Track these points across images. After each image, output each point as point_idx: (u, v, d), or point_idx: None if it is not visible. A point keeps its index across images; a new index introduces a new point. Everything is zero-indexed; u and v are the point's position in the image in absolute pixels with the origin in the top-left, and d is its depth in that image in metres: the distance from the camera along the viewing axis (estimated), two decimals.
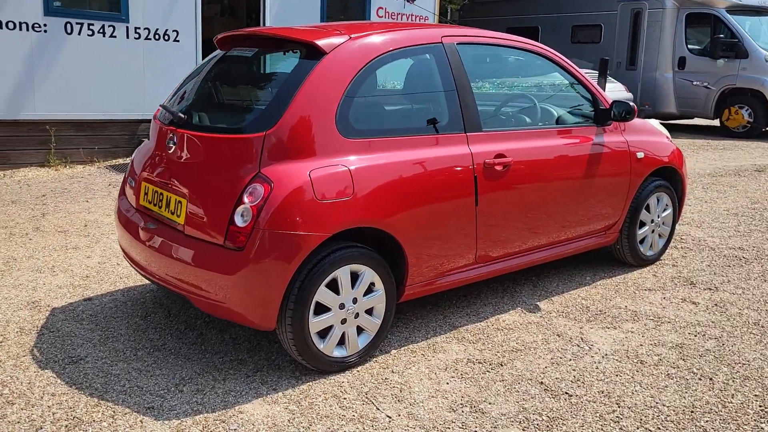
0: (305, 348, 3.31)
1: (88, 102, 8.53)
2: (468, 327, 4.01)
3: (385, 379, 3.40)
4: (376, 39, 3.58)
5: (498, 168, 3.88)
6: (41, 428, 2.91)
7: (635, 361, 3.62)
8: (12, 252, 5.16)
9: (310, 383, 3.34)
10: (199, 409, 3.08)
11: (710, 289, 4.68)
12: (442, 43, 3.83)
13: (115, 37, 8.60)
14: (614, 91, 11.47)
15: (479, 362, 3.58)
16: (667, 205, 5.15)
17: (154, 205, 3.65)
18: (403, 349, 3.73)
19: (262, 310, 3.19)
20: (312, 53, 3.46)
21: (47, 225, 5.93)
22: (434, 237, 3.68)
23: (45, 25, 8.12)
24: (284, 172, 3.19)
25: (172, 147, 3.54)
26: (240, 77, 3.78)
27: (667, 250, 5.39)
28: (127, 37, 8.69)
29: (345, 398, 3.21)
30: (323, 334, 3.39)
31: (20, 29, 7.98)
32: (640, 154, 4.76)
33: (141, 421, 2.98)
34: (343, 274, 3.35)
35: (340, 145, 3.34)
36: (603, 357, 3.66)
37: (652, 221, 5.06)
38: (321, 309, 3.35)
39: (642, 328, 4.04)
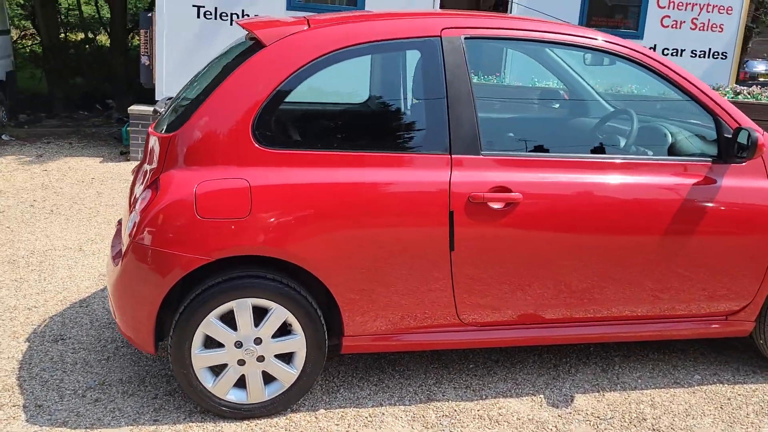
0: (187, 383, 2.88)
1: None
2: (441, 404, 3.11)
3: None
4: (336, 31, 2.91)
5: (494, 205, 2.89)
6: None
7: None
8: None
9: (193, 424, 2.90)
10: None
11: None
12: (440, 36, 2.95)
13: None
14: None
15: None
16: None
17: None
18: (336, 411, 3.03)
19: (135, 332, 2.85)
20: (254, 46, 2.95)
21: None
22: (381, 283, 2.89)
23: None
24: (174, 180, 2.78)
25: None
26: (210, 73, 3.43)
27: None
28: None
29: None
30: (217, 371, 2.91)
31: None
32: None
33: None
34: (240, 307, 2.82)
35: (253, 155, 2.79)
36: None
37: None
38: (214, 343, 2.88)
39: None
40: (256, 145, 2.78)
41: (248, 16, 8.54)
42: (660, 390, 3.29)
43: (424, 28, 2.96)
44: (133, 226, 2.79)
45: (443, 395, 3.18)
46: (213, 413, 2.94)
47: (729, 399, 3.23)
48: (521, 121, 3.43)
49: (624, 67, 3.11)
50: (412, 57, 2.98)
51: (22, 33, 15.29)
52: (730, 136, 3.08)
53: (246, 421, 2.94)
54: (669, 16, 9.64)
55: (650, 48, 9.60)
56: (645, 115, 3.60)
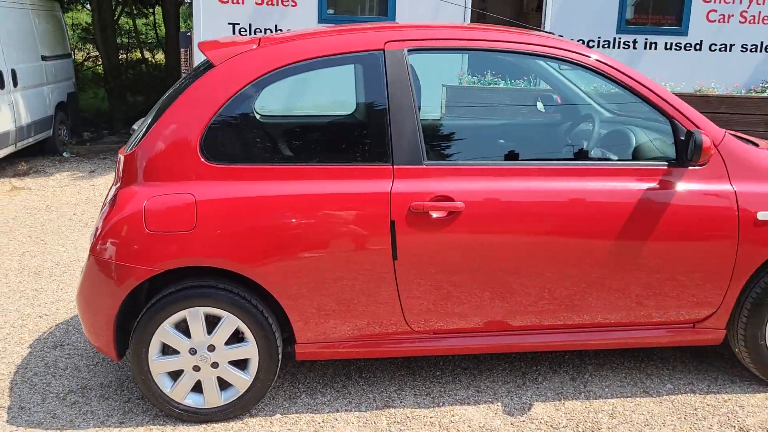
0: (146, 388, 3.04)
1: None
2: (396, 411, 3.15)
3: None
4: (282, 48, 3.02)
5: (436, 214, 2.92)
6: None
7: None
8: None
9: (154, 426, 3.06)
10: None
11: None
12: (383, 50, 3.02)
13: None
14: None
15: None
16: None
17: None
18: (291, 416, 3.13)
19: (97, 339, 3.04)
20: (207, 66, 3.10)
21: None
22: (327, 292, 2.98)
23: None
24: (128, 196, 2.95)
25: None
26: (173, 93, 3.56)
27: None
28: None
29: None
30: (176, 377, 3.06)
31: None
32: (766, 215, 3.03)
33: None
34: (191, 315, 2.96)
35: (201, 170, 2.93)
36: None
37: None
38: (171, 350, 3.03)
39: None
40: (203, 160, 2.92)
41: (281, 30, 8.80)
42: (625, 399, 3.22)
43: (368, 42, 3.03)
44: (93, 240, 2.98)
45: (401, 402, 3.22)
46: (173, 417, 3.09)
47: (696, 409, 3.13)
48: (470, 129, 3.44)
49: (581, 72, 3.09)
50: (357, 71, 3.05)
51: (87, 56, 16.17)
52: (684, 138, 3.00)
53: (204, 425, 3.07)
54: (715, 10, 9.30)
55: (696, 44, 9.30)
56: (610, 119, 3.53)
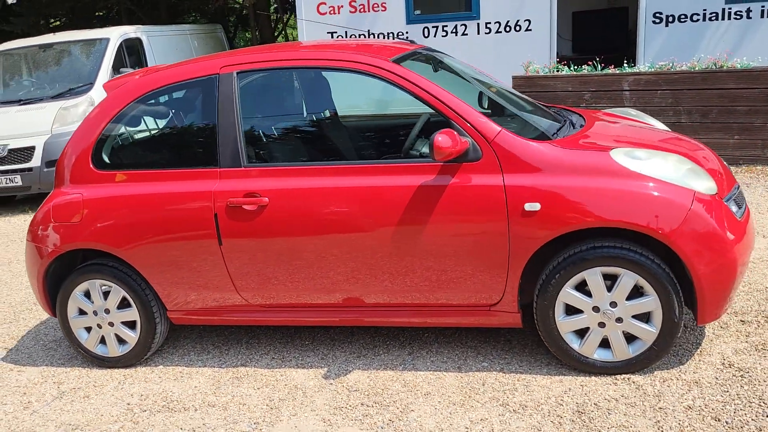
0: (71, 339, 4.07)
1: None
2: (244, 369, 3.83)
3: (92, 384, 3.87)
4: (146, 79, 3.85)
5: (248, 207, 3.56)
6: None
7: None
8: None
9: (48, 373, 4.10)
10: None
11: None
12: (219, 74, 3.70)
13: (466, 35, 9.23)
14: None
15: (156, 402, 3.59)
16: (643, 291, 3.20)
17: None
18: (169, 368, 3.96)
19: (37, 297, 4.13)
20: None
21: None
22: (177, 271, 3.75)
23: (407, 32, 9.43)
24: (51, 195, 4.00)
25: None
26: None
27: (662, 358, 3.30)
28: (478, 33, 9.18)
29: (33, 394, 3.90)
30: (89, 330, 4.06)
31: (388, 38, 9.52)
32: (533, 206, 3.19)
33: None
34: (93, 287, 3.94)
35: (91, 175, 3.88)
36: None
37: (598, 309, 3.26)
38: (82, 312, 4.03)
39: None
40: (92, 167, 3.86)
41: (373, 35, 9.55)
42: (434, 373, 3.54)
43: (209, 67, 3.74)
44: (28, 226, 4.07)
45: (257, 362, 3.89)
46: (99, 365, 4.09)
47: (483, 385, 3.37)
48: (284, 135, 3.96)
49: (371, 81, 3.49)
50: (201, 92, 3.77)
51: None
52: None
53: (109, 370, 4.02)
54: None
55: None
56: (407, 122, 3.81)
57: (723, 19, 8.60)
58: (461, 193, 3.30)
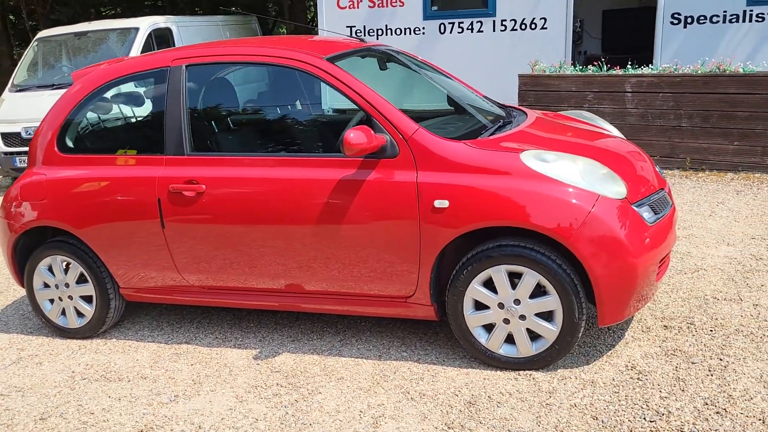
0: (37, 310, 4.38)
1: None
2: (192, 347, 4.05)
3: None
4: (107, 69, 4.10)
5: (187, 194, 3.77)
6: None
7: None
8: None
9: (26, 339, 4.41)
10: None
11: None
12: (169, 66, 3.92)
13: (482, 32, 9.25)
14: None
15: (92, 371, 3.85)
16: (546, 291, 3.27)
17: None
18: (122, 341, 4.22)
19: (9, 269, 4.45)
20: None
21: None
22: (127, 250, 4.00)
23: (423, 28, 9.51)
24: (23, 176, 4.31)
25: None
26: None
27: (565, 355, 3.36)
28: (494, 30, 9.20)
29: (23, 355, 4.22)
30: (52, 302, 4.36)
31: (405, 33, 9.62)
32: (442, 203, 3.29)
33: None
34: (54, 262, 4.23)
35: (55, 158, 4.17)
36: None
37: (503, 306, 3.34)
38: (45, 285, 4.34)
39: None
40: (57, 151, 4.14)
41: (391, 30, 9.67)
42: (355, 359, 3.69)
43: (162, 60, 3.97)
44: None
45: (200, 341, 4.11)
46: (57, 335, 4.40)
47: (395, 373, 3.50)
48: (225, 127, 4.14)
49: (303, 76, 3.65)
50: (154, 82, 4.00)
51: None
52: None
53: (69, 340, 4.31)
54: None
55: None
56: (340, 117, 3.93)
57: (744, 21, 8.38)
58: (378, 188, 3.42)
